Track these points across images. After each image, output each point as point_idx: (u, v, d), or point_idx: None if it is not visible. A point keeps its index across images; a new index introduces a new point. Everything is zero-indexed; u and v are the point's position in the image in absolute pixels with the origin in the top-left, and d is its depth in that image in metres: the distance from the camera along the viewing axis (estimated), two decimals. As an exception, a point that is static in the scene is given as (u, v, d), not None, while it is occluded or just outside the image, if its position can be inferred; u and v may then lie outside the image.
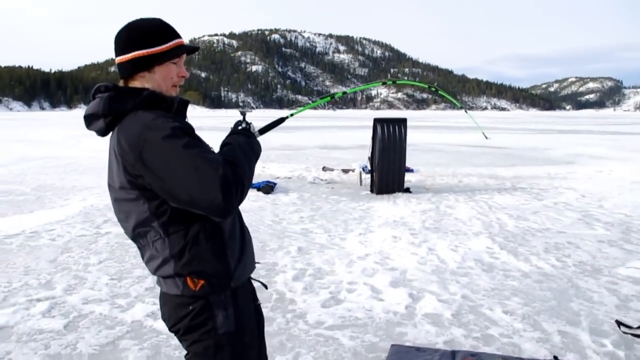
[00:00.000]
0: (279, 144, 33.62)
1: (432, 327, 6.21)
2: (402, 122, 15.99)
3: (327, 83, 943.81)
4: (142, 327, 6.14)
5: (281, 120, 3.62)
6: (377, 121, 15.85)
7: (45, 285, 7.59)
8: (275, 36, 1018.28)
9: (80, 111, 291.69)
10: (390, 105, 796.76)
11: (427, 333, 6.05)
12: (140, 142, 2.44)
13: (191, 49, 2.88)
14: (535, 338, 5.87)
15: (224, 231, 2.75)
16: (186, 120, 2.83)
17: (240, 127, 3.00)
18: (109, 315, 6.52)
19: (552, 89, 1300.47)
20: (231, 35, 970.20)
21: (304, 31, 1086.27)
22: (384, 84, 4.95)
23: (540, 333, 6.02)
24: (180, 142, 2.41)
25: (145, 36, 2.69)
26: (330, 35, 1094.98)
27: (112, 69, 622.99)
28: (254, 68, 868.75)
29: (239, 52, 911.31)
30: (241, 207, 7.59)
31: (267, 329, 5.99)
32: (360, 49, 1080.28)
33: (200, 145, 2.51)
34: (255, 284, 3.24)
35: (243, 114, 3.14)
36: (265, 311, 6.53)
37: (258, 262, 3.29)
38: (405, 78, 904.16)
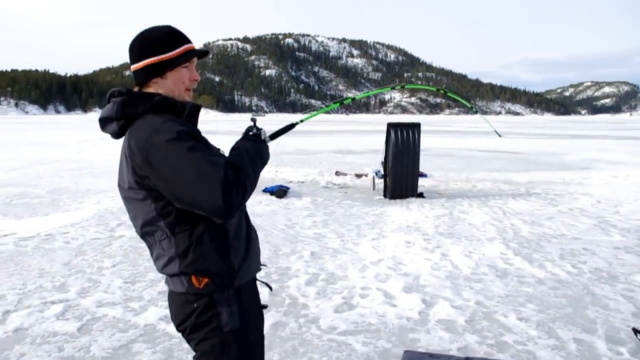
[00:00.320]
0: (293, 149, 33.65)
1: (445, 333, 6.17)
2: (416, 127, 15.95)
3: (341, 87, 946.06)
4: (155, 331, 6.14)
5: (292, 126, 3.68)
6: (390, 126, 15.82)
7: (59, 288, 7.61)
8: (289, 40, 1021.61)
9: (95, 115, 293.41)
10: (404, 110, 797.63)
11: (440, 339, 6.01)
12: (148, 145, 2.54)
13: (201, 53, 2.98)
14: (550, 345, 5.82)
15: (229, 232, 2.83)
16: (197, 124, 2.95)
17: (251, 133, 3.04)
18: (122, 318, 6.53)
19: (567, 94, 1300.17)
20: (245, 40, 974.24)
21: (318, 35, 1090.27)
22: (393, 88, 4.97)
23: (555, 340, 5.96)
24: (184, 145, 2.50)
25: (155, 44, 2.80)
26: (344, 40, 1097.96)
27: (127, 72, 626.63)
28: (267, 72, 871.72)
29: (253, 57, 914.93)
30: (254, 211, 7.55)
31: (280, 333, 6.02)
32: (373, 53, 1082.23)
33: (204, 148, 2.57)
34: (260, 288, 3.25)
35: (254, 120, 3.17)
36: (277, 316, 6.53)
37: (264, 265, 3.36)
38: (419, 82, 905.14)
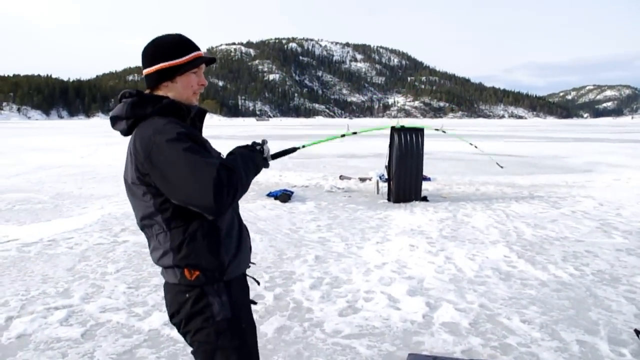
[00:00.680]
0: (296, 153, 33.54)
1: (449, 336, 6.19)
2: (420, 130, 15.98)
3: (344, 91, 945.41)
4: (159, 336, 6.14)
5: (293, 149, 3.88)
6: (394, 130, 15.84)
7: (62, 294, 7.60)
8: (293, 45, 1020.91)
9: (98, 120, 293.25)
10: (407, 114, 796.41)
11: (444, 342, 6.04)
12: (150, 144, 2.73)
13: (209, 59, 3.17)
14: (554, 347, 5.85)
15: (221, 230, 3.00)
16: (202, 128, 3.23)
17: (257, 147, 3.23)
18: (126, 323, 6.53)
19: (569, 97, 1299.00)
20: (248, 44, 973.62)
21: (321, 40, 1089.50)
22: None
23: (558, 342, 5.99)
24: (182, 145, 2.67)
25: (167, 50, 3.00)
26: (347, 44, 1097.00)
27: (130, 77, 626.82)
28: (271, 77, 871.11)
29: (257, 61, 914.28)
30: (258, 215, 7.60)
31: (284, 337, 6.04)
32: (377, 57, 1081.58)
33: (201, 150, 2.74)
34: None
35: (265, 141, 3.33)
36: (282, 319, 6.57)
37: (253, 263, 3.51)
38: (423, 87, 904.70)
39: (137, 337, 6.10)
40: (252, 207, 14.24)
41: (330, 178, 20.93)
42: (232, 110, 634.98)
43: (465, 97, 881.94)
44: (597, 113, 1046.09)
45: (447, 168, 25.57)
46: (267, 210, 13.84)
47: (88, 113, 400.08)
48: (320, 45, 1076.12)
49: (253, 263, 3.52)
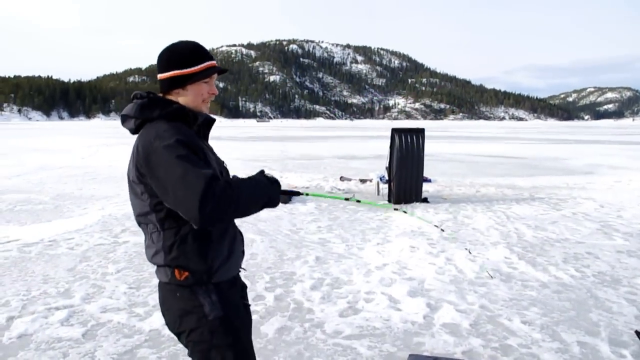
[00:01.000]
0: (297, 154, 33.70)
1: (450, 337, 6.19)
2: (420, 132, 15.99)
3: (345, 93, 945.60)
4: (160, 336, 6.13)
5: (298, 193, 3.87)
6: (395, 131, 15.86)
7: (63, 294, 7.60)
8: (293, 46, 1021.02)
9: (98, 121, 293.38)
10: (408, 116, 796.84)
11: (445, 343, 6.04)
12: (150, 147, 2.81)
13: (221, 70, 3.22)
14: (554, 348, 5.86)
15: (212, 234, 3.05)
16: (208, 136, 3.31)
17: (270, 175, 3.22)
18: (127, 324, 6.53)
19: (570, 99, 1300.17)
20: (249, 46, 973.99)
21: (322, 41, 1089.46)
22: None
23: (559, 343, 5.99)
24: (178, 152, 2.73)
25: (181, 58, 3.08)
26: (348, 46, 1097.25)
27: (130, 78, 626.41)
28: (271, 78, 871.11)
29: (257, 62, 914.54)
30: (259, 216, 7.61)
31: (285, 338, 6.04)
32: (377, 59, 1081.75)
33: (194, 159, 2.78)
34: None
35: (262, 172, 3.33)
36: (282, 320, 6.57)
37: (243, 269, 3.54)
38: (423, 88, 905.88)
39: (138, 337, 6.10)
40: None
41: (331, 179, 20.92)
42: (233, 112, 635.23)
43: (466, 99, 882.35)
44: (598, 115, 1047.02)
45: (447, 169, 25.58)
46: (267, 211, 13.79)
47: (89, 114, 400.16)
48: (321, 47, 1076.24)
49: (243, 269, 3.55)
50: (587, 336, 6.20)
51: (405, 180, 15.61)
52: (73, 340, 6.03)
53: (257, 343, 5.33)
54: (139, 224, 3.15)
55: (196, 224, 2.69)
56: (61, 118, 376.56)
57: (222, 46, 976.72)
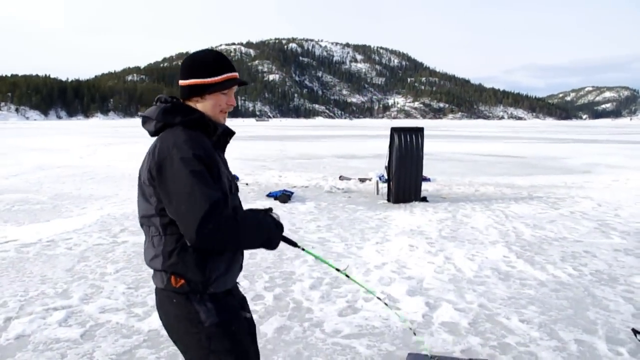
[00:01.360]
0: (296, 154, 33.69)
1: (449, 336, 6.22)
2: (419, 131, 16.02)
3: (344, 92, 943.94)
4: (159, 336, 6.14)
5: (296, 245, 3.88)
6: (394, 130, 15.88)
7: (61, 294, 7.60)
8: (293, 45, 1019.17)
9: (97, 120, 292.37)
10: (407, 115, 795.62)
11: (444, 342, 6.07)
12: (165, 154, 2.84)
13: (242, 82, 3.28)
14: (552, 347, 5.89)
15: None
16: (226, 147, 3.35)
17: (277, 216, 3.31)
18: (125, 324, 6.54)
19: (568, 98, 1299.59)
20: (248, 45, 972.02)
21: (321, 40, 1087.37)
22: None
23: (556, 342, 6.03)
24: (191, 167, 2.77)
25: (201, 67, 3.10)
26: (347, 45, 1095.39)
27: (129, 77, 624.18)
28: (271, 77, 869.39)
29: (256, 61, 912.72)
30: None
31: (284, 337, 6.06)
32: (377, 58, 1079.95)
33: (207, 178, 2.82)
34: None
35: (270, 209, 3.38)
36: (282, 320, 6.60)
37: (238, 283, 3.54)
38: (422, 87, 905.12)
39: (137, 338, 6.11)
40: (252, 207, 14.22)
41: (330, 178, 20.97)
42: (232, 111, 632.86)
43: (465, 98, 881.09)
44: (596, 114, 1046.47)
45: (446, 169, 25.62)
46: (267, 211, 13.86)
47: (87, 113, 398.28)
48: (320, 46, 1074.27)
49: (238, 283, 3.55)
50: (584, 334, 6.23)
51: (405, 179, 15.64)
52: (71, 340, 6.03)
53: (257, 342, 5.29)
54: (142, 225, 3.16)
55: (191, 242, 2.77)
56: (59, 117, 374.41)
57: (221, 45, 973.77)
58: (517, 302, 7.38)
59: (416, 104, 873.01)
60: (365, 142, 50.05)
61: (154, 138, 3.07)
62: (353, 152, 36.99)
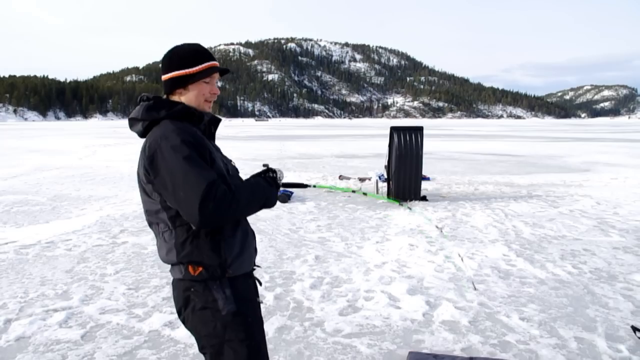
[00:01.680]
0: (296, 153, 33.69)
1: (449, 334, 6.24)
2: (419, 130, 16.02)
3: (344, 92, 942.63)
4: (160, 337, 6.16)
5: (305, 186, 3.91)
6: (393, 130, 15.90)
7: (61, 296, 7.61)
8: (292, 45, 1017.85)
9: (95, 121, 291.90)
10: (407, 114, 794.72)
11: (444, 340, 6.09)
12: (156, 146, 2.91)
13: (222, 70, 3.35)
14: (552, 344, 5.91)
15: (224, 229, 3.10)
16: (214, 135, 3.42)
17: (270, 174, 3.34)
18: (126, 325, 6.54)
19: (567, 97, 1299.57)
20: (247, 44, 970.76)
21: (320, 40, 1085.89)
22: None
23: (556, 339, 6.05)
24: (183, 153, 2.83)
25: (181, 59, 3.19)
26: (347, 44, 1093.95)
27: (127, 78, 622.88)
28: (270, 77, 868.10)
29: (255, 61, 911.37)
30: (258, 216, 7.65)
31: (285, 337, 6.07)
32: (376, 57, 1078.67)
33: (199, 161, 2.88)
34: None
35: (266, 165, 3.48)
36: (282, 319, 6.60)
37: (258, 266, 3.64)
38: (422, 87, 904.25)
39: (138, 339, 6.12)
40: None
41: (330, 178, 21.00)
42: (231, 111, 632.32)
43: (464, 97, 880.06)
44: (595, 113, 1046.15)
45: (446, 168, 25.63)
46: (266, 211, 13.85)
47: (85, 114, 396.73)
48: (319, 46, 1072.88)
49: (258, 266, 3.62)
50: (584, 332, 6.26)
51: (404, 178, 15.65)
52: (72, 342, 6.03)
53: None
54: (150, 224, 3.21)
55: (195, 224, 2.81)
56: (58, 118, 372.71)
57: (220, 44, 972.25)
58: (517, 300, 7.40)
59: (415, 103, 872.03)
60: (365, 142, 50.05)
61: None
62: (353, 152, 36.98)
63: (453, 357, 5.43)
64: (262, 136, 69.08)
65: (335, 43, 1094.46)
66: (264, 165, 3.45)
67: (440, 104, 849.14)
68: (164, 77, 3.23)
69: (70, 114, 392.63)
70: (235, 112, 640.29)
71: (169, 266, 3.19)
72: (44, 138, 64.10)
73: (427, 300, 7.34)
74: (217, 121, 3.38)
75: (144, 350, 5.84)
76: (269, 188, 3.20)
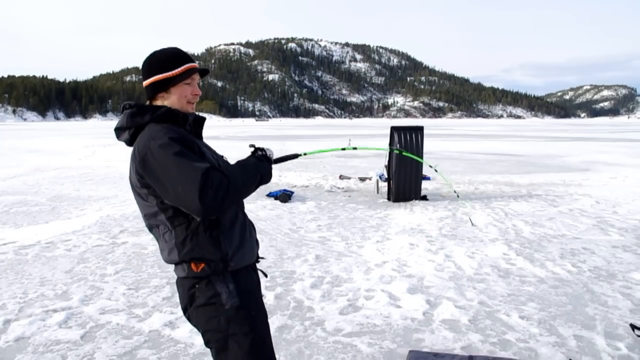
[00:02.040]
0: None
1: (449, 333, 6.26)
2: (419, 130, 16.05)
3: (344, 92, 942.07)
4: (160, 337, 6.17)
5: (295, 156, 3.98)
6: (394, 129, 15.93)
7: (61, 296, 7.61)
8: (292, 45, 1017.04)
9: (95, 121, 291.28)
10: (407, 114, 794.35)
11: (444, 339, 6.11)
12: (145, 149, 2.93)
13: (202, 70, 3.41)
14: (551, 342, 5.93)
15: (222, 223, 3.16)
16: (201, 133, 3.45)
17: (259, 153, 3.36)
18: (126, 325, 6.55)
19: (567, 97, 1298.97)
20: (247, 44, 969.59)
21: (321, 40, 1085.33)
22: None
23: (556, 337, 6.07)
24: (173, 149, 2.86)
25: (160, 64, 3.24)
26: (347, 44, 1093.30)
27: (127, 78, 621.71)
28: (270, 77, 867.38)
29: (256, 61, 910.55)
30: (258, 216, 7.71)
31: (285, 336, 6.08)
32: (376, 57, 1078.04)
33: (190, 154, 2.91)
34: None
35: (252, 145, 3.50)
36: (283, 319, 6.62)
37: (263, 257, 3.70)
38: (422, 87, 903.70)
39: (138, 339, 6.13)
40: (252, 207, 14.29)
41: (330, 178, 21.05)
42: (231, 111, 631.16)
43: (464, 97, 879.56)
44: (594, 113, 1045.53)
45: (446, 167, 25.63)
46: (267, 211, 13.90)
47: (85, 114, 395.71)
48: (320, 46, 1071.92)
49: (262, 257, 3.67)
50: (583, 330, 6.28)
51: (405, 178, 15.67)
52: (71, 342, 6.04)
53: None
54: (150, 228, 3.26)
55: (199, 215, 2.81)
56: (57, 118, 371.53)
57: (220, 44, 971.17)
58: (516, 298, 7.42)
59: (416, 103, 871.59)
60: (366, 142, 49.99)
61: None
62: (353, 152, 36.91)
63: (453, 356, 5.44)
64: (262, 136, 69.05)
65: (336, 43, 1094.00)
66: (250, 146, 3.49)
67: (441, 103, 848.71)
68: (145, 82, 3.28)
69: (69, 114, 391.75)
70: (235, 112, 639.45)
71: (169, 266, 3.23)
72: (44, 138, 64.13)
73: (427, 299, 7.36)
74: (202, 120, 3.43)
75: (144, 350, 5.84)
76: (260, 164, 3.23)
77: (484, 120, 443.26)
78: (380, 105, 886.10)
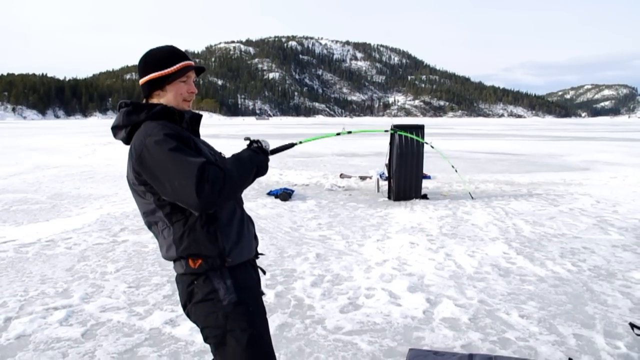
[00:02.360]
0: (297, 152, 33.64)
1: (449, 331, 6.27)
2: (420, 129, 16.04)
3: (345, 90, 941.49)
4: (161, 335, 6.18)
5: (291, 145, 4.01)
6: (394, 128, 15.90)
7: (62, 294, 7.61)
8: (292, 43, 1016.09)
9: (95, 119, 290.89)
10: (408, 113, 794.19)
11: (444, 337, 6.12)
12: (141, 146, 2.97)
13: (197, 68, 3.41)
14: (551, 341, 5.94)
15: (219, 219, 3.19)
16: (198, 131, 3.48)
17: (254, 145, 3.41)
18: (127, 322, 6.55)
19: (568, 96, 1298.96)
20: (248, 43, 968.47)
21: (321, 38, 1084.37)
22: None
23: (555, 336, 6.08)
24: (168, 145, 2.88)
25: (156, 62, 3.27)
26: (348, 42, 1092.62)
27: (127, 76, 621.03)
28: (270, 75, 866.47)
29: (256, 60, 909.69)
30: (259, 214, 7.72)
31: (286, 334, 6.09)
32: (377, 56, 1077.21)
33: (185, 149, 2.94)
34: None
35: (248, 138, 3.52)
36: (284, 317, 6.63)
37: (262, 254, 3.73)
38: (423, 86, 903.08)
39: (138, 336, 6.13)
40: (252, 205, 14.30)
41: (331, 176, 21.01)
42: (232, 110, 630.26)
43: (465, 96, 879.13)
44: (595, 112, 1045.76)
45: (447, 166, 25.56)
46: (267, 209, 13.91)
47: (85, 112, 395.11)
48: (320, 44, 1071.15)
49: (262, 254, 3.69)
50: (583, 329, 6.30)
51: (405, 177, 15.67)
52: (72, 340, 6.04)
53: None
54: (149, 226, 3.29)
55: (196, 210, 2.84)
56: (57, 117, 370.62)
57: (220, 43, 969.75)
58: (516, 297, 7.43)
59: (416, 102, 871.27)
60: (366, 140, 49.96)
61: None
62: (353, 150, 36.93)
63: (453, 354, 5.45)
64: (263, 135, 69.02)
65: (337, 41, 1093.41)
66: (245, 139, 3.50)
67: (441, 102, 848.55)
68: (141, 81, 3.32)
69: (69, 113, 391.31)
70: (235, 111, 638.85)
71: (170, 264, 3.26)
72: (44, 136, 64.06)
73: (427, 298, 7.37)
74: (199, 117, 3.45)
75: (145, 348, 5.85)
76: (256, 156, 3.25)
77: (484, 120, 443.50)
78: (381, 104, 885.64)
